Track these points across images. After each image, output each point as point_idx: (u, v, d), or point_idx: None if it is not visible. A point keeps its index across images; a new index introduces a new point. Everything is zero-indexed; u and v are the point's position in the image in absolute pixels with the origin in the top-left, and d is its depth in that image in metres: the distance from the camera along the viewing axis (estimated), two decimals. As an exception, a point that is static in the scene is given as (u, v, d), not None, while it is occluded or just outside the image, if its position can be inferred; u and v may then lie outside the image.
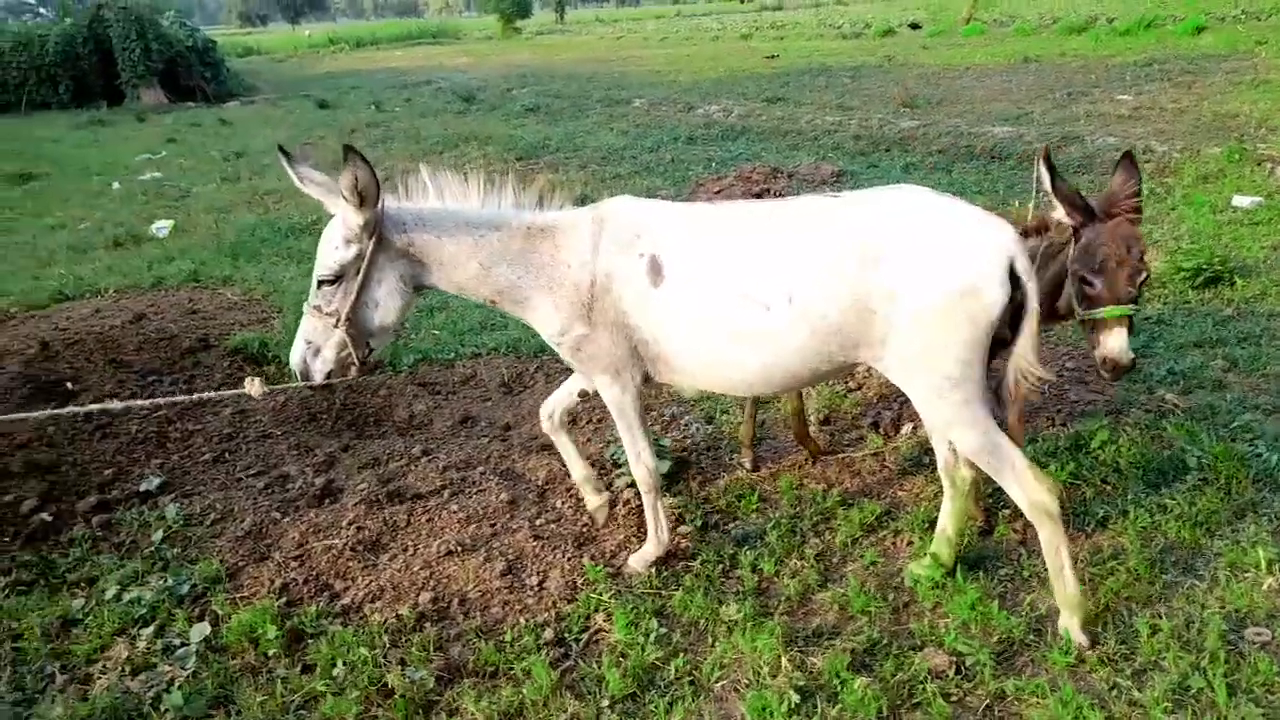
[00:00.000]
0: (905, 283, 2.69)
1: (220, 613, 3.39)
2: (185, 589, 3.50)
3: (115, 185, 12.67)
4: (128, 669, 3.13)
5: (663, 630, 3.13)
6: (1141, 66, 18.88)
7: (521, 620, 3.26)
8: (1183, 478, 3.77)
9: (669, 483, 4.03)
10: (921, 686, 2.80)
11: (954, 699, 2.78)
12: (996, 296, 2.64)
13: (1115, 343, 3.08)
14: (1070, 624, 2.90)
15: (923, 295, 2.68)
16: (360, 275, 2.96)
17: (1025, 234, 3.11)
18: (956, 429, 2.83)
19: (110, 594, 3.48)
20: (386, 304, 3.05)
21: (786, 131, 13.75)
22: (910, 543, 3.58)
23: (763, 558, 3.50)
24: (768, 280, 2.83)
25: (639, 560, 3.49)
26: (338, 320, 3.02)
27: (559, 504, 4.00)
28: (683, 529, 3.75)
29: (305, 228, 9.32)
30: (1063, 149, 10.72)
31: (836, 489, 3.96)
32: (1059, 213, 3.11)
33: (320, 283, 3.03)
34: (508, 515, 3.91)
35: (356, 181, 2.82)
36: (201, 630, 3.26)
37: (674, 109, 17.46)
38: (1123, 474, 3.84)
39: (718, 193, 9.51)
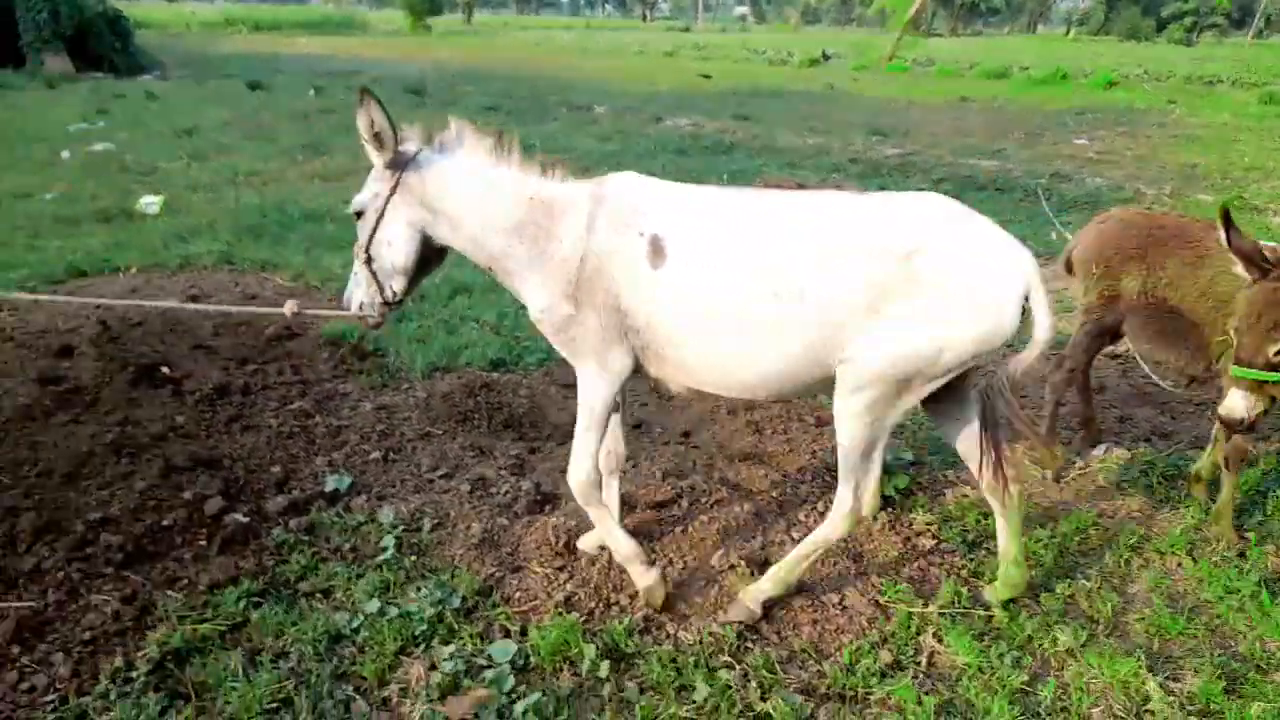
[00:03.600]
0: (925, 294, 2.55)
1: (511, 628, 3.01)
2: (456, 602, 3.09)
3: (65, 155, 11.50)
4: (436, 692, 2.72)
5: (1014, 653, 2.96)
6: (1075, 114, 20.04)
7: (845, 640, 3.03)
8: None
9: (903, 496, 3.87)
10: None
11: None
12: (1007, 326, 2.56)
13: (1228, 401, 3.05)
14: (760, 591, 3.09)
15: (938, 311, 2.56)
16: (378, 213, 2.98)
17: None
18: (853, 420, 2.75)
19: (372, 608, 3.04)
20: (395, 244, 3.01)
21: (775, 149, 13.84)
22: (1180, 564, 3.53)
23: (1052, 578, 3.38)
24: (780, 273, 2.65)
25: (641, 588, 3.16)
26: (359, 253, 3.06)
27: (802, 516, 3.77)
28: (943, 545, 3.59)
29: (321, 214, 8.68)
30: (1059, 187, 11.21)
31: (1064, 506, 3.89)
32: (1237, 268, 3.01)
33: (355, 214, 3.08)
34: (759, 526, 3.65)
35: (373, 123, 2.85)
36: (506, 649, 2.88)
37: (641, 119, 17.35)
38: None
39: (756, 204, 9.41)
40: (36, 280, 6.40)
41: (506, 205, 2.90)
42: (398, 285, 3.08)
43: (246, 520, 3.49)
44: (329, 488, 3.80)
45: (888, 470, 3.80)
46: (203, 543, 3.39)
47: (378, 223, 2.99)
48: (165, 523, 3.42)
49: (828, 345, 2.67)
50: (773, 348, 2.71)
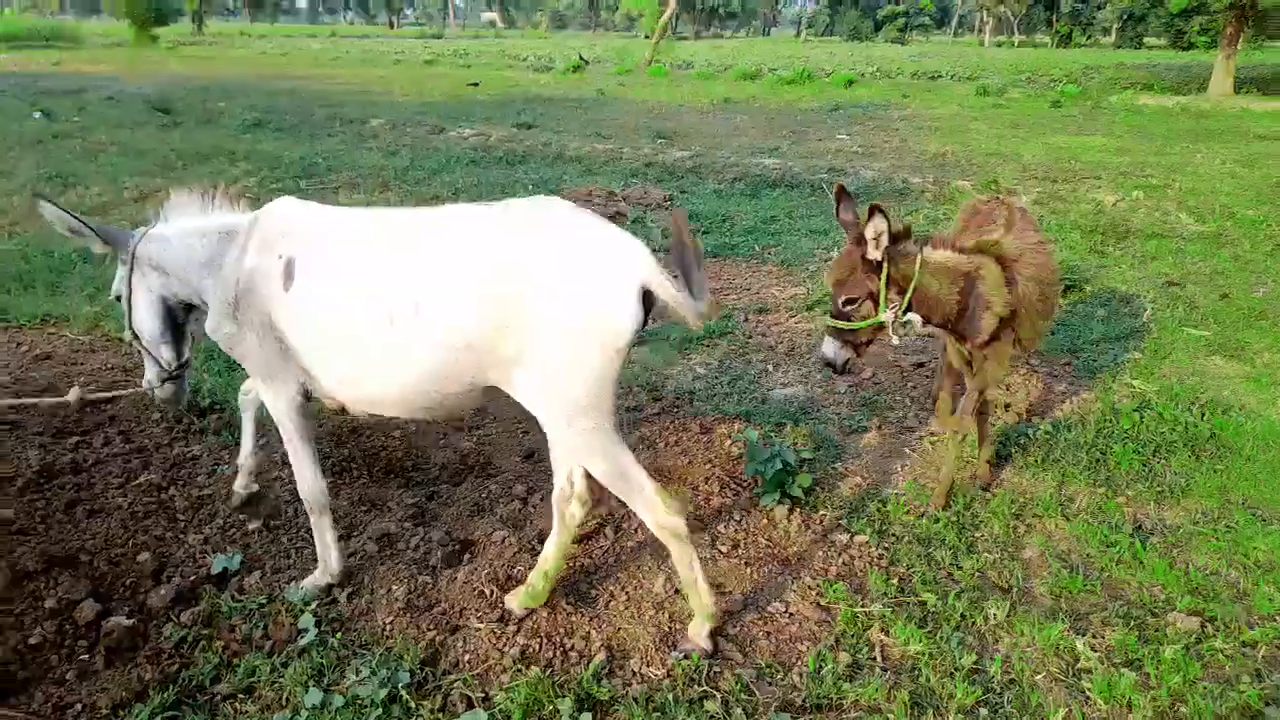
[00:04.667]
0: (537, 300, 2.58)
1: (472, 696, 2.82)
2: (405, 677, 2.85)
3: None
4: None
5: (958, 635, 3.15)
6: (830, 112, 21.63)
7: (803, 649, 3.10)
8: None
9: (808, 494, 4.01)
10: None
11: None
12: (627, 322, 2.57)
13: (821, 346, 3.77)
14: (699, 630, 3.02)
15: (554, 315, 2.57)
16: (127, 292, 3.25)
17: None
18: (584, 456, 2.81)
19: (313, 700, 2.74)
20: (146, 316, 3.27)
21: (568, 158, 13.89)
22: (1057, 525, 3.90)
23: (959, 556, 3.64)
24: (394, 289, 2.70)
25: (310, 584, 3.31)
26: (127, 334, 3.34)
27: (722, 528, 3.81)
28: (859, 539, 3.77)
29: (96, 256, 7.72)
30: (837, 180, 12.04)
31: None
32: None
33: (116, 299, 3.34)
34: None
35: (61, 222, 3.11)
36: (477, 718, 2.70)
37: (422, 131, 16.83)
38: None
39: (571, 215, 9.40)
40: None
41: (205, 243, 3.10)
42: (167, 355, 3.34)
43: (130, 622, 3.04)
44: (216, 569, 3.39)
45: (789, 470, 3.94)
46: (85, 656, 2.91)
47: (129, 301, 3.24)
48: (33, 640, 2.91)
49: (457, 362, 2.70)
50: (400, 368, 2.76)
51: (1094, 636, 3.14)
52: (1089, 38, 68.47)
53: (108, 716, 2.68)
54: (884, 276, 3.52)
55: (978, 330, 3.69)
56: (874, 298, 3.57)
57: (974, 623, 3.22)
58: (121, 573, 3.35)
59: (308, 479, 3.20)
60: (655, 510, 2.81)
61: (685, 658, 2.97)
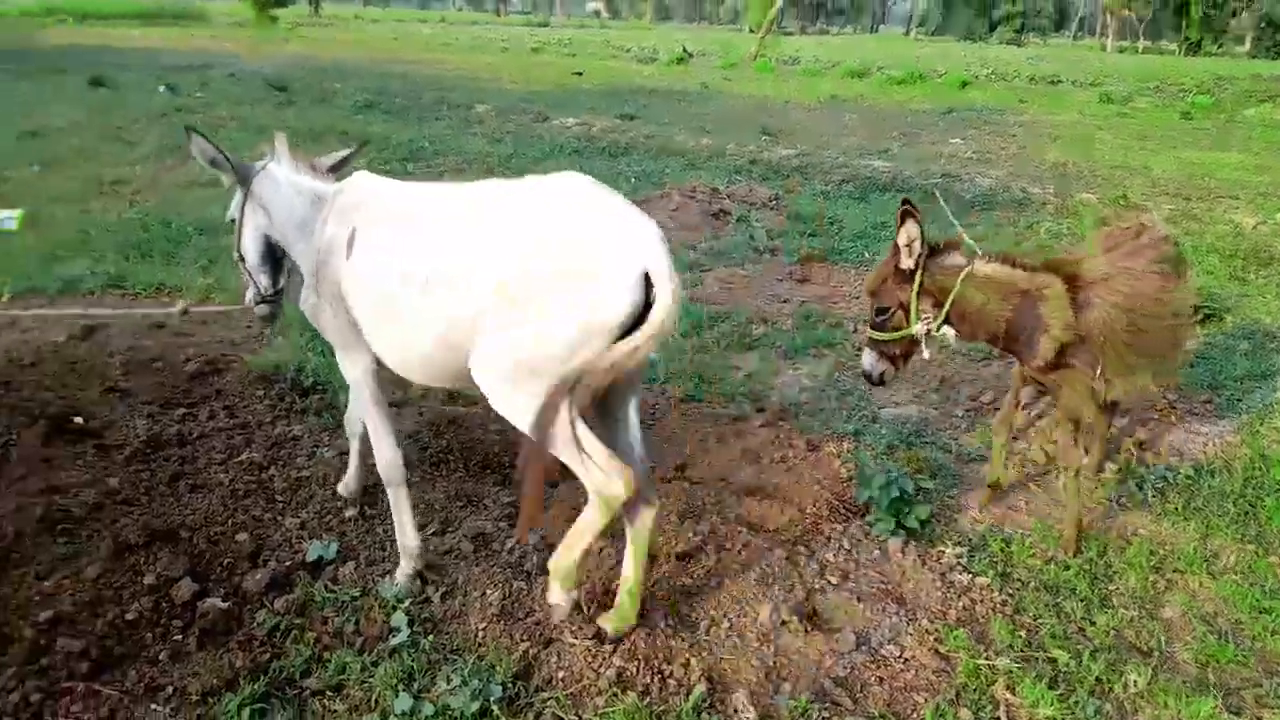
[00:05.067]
0: (530, 275, 2.56)
1: (565, 717, 2.68)
2: (497, 690, 2.73)
3: (-113, 164, 10.12)
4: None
5: (1094, 702, 2.86)
6: (942, 115, 20.89)
7: (920, 700, 2.86)
8: None
9: (925, 527, 3.74)
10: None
11: None
12: (617, 306, 2.49)
13: (862, 359, 3.72)
14: (554, 589, 3.03)
15: (544, 290, 2.54)
16: (239, 219, 3.44)
17: None
18: (537, 430, 2.65)
19: (403, 706, 2.64)
20: (249, 245, 3.44)
21: (672, 151, 13.70)
22: (1201, 583, 3.54)
23: (1092, 610, 3.33)
24: (419, 259, 2.78)
25: (401, 578, 3.24)
26: (234, 255, 3.54)
27: (831, 556, 3.59)
28: (980, 579, 3.49)
29: (213, 227, 7.90)
30: (953, 187, 11.55)
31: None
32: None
33: (230, 221, 3.53)
34: (794, 572, 3.43)
35: (205, 154, 3.30)
36: (571, 745, 2.56)
37: (526, 119, 16.89)
38: None
39: (675, 210, 9.25)
40: (-114, 313, 5.50)
41: (301, 202, 3.24)
42: (264, 281, 3.50)
43: (226, 605, 3.00)
44: (311, 556, 3.34)
45: (906, 500, 3.69)
46: (178, 637, 2.89)
47: (240, 227, 3.44)
48: (130, 616, 2.90)
49: (456, 332, 2.71)
50: (424, 331, 2.80)
51: (1251, 718, 2.81)
52: (1220, 46, 64.72)
53: (197, 703, 2.63)
54: (916, 287, 3.40)
55: (1034, 353, 3.43)
56: (905, 309, 3.46)
57: (1111, 688, 2.92)
58: (219, 552, 3.32)
59: (385, 452, 3.24)
60: (604, 478, 2.72)
61: (791, 699, 2.77)
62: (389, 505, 3.73)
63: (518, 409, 2.68)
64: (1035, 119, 20.74)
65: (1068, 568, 3.54)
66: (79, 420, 4.13)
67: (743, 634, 3.08)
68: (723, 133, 16.21)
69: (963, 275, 3.36)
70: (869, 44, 62.71)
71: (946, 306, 3.40)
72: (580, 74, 28.38)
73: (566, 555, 2.93)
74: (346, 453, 4.07)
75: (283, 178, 3.28)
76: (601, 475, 2.70)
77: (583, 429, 2.69)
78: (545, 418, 2.60)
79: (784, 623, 3.09)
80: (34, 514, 3.30)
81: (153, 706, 2.62)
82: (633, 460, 2.83)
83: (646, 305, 2.52)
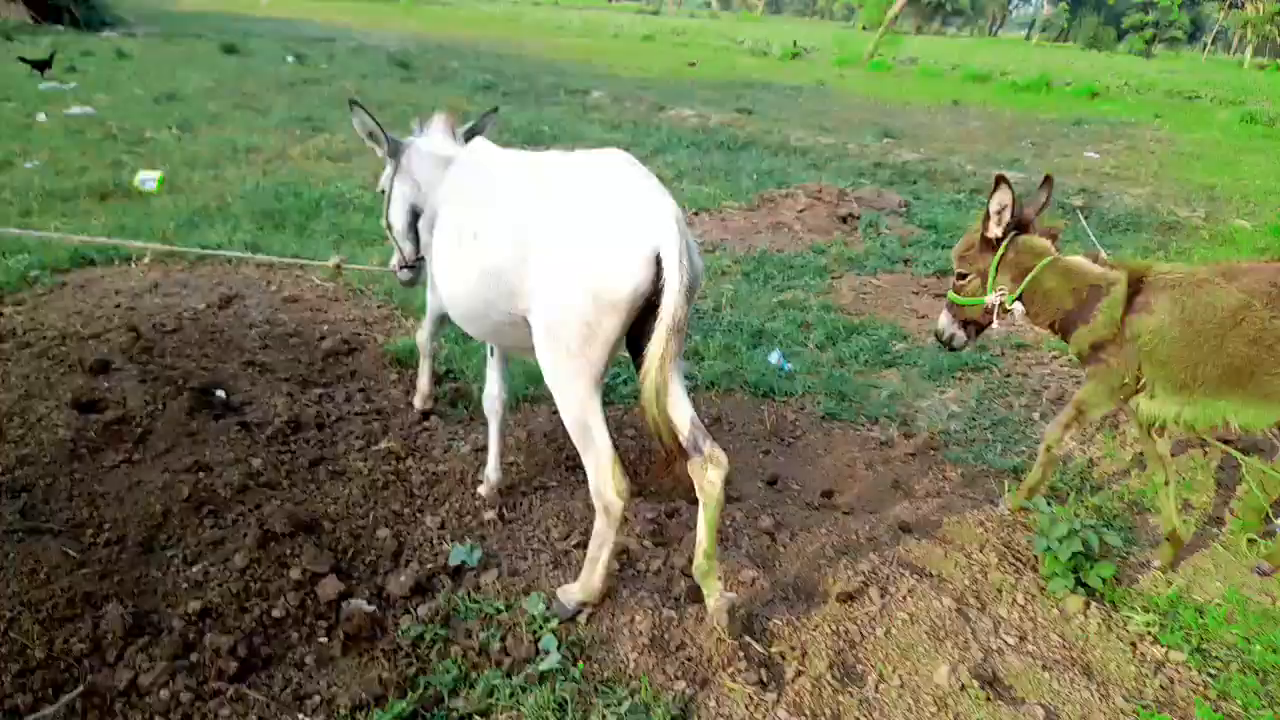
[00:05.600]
0: (549, 241, 2.61)
1: (730, 771, 2.47)
2: (655, 731, 2.53)
3: (41, 118, 10.52)
4: None
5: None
6: (1072, 125, 19.90)
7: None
8: None
9: (1109, 587, 3.39)
10: None
11: None
12: (624, 280, 2.48)
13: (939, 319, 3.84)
14: (570, 594, 2.98)
15: (557, 258, 2.58)
16: (389, 190, 3.73)
17: None
18: (560, 398, 2.76)
19: (562, 741, 2.47)
20: (396, 214, 3.74)
21: (791, 148, 13.34)
22: None
23: None
24: (466, 218, 2.94)
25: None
26: (384, 223, 3.85)
27: (1004, 611, 3.27)
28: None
29: (343, 201, 7.94)
30: (1094, 205, 10.90)
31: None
32: None
33: (380, 191, 3.84)
34: (966, 627, 3.13)
35: (364, 127, 3.57)
36: (737, 805, 2.34)
37: (642, 107, 16.73)
38: None
39: (802, 211, 8.93)
40: (40, 270, 5.62)
41: (437, 171, 3.39)
42: (408, 248, 3.80)
43: (371, 608, 2.88)
44: (454, 560, 3.20)
45: (1089, 556, 3.35)
46: (324, 639, 2.78)
47: (389, 197, 3.74)
48: (276, 613, 2.80)
49: (500, 289, 2.78)
50: (462, 285, 2.98)
51: None
52: (1374, 67, 60.40)
53: (345, 717, 2.50)
54: (997, 258, 3.47)
55: (1072, 337, 3.47)
56: (984, 277, 3.53)
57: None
58: (362, 548, 3.21)
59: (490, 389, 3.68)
60: (601, 477, 2.75)
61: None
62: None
63: (551, 378, 2.75)
64: (1172, 135, 19.56)
65: (1275, 649, 3.15)
66: (221, 394, 4.10)
67: (917, 695, 2.81)
68: (842, 132, 15.76)
69: (1044, 261, 3.41)
70: (988, 47, 60.55)
71: (1023, 285, 3.44)
72: (694, 64, 28.11)
73: (589, 571, 2.93)
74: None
75: (426, 149, 3.52)
76: (596, 476, 2.76)
77: (598, 424, 2.74)
78: (568, 392, 2.70)
79: (963, 687, 2.81)
80: (181, 492, 3.24)
81: (300, 717, 2.50)
82: (695, 433, 2.77)
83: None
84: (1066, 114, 21.92)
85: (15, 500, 3.13)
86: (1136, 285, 3.30)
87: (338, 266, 4.75)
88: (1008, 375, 5.53)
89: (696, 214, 8.85)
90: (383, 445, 3.91)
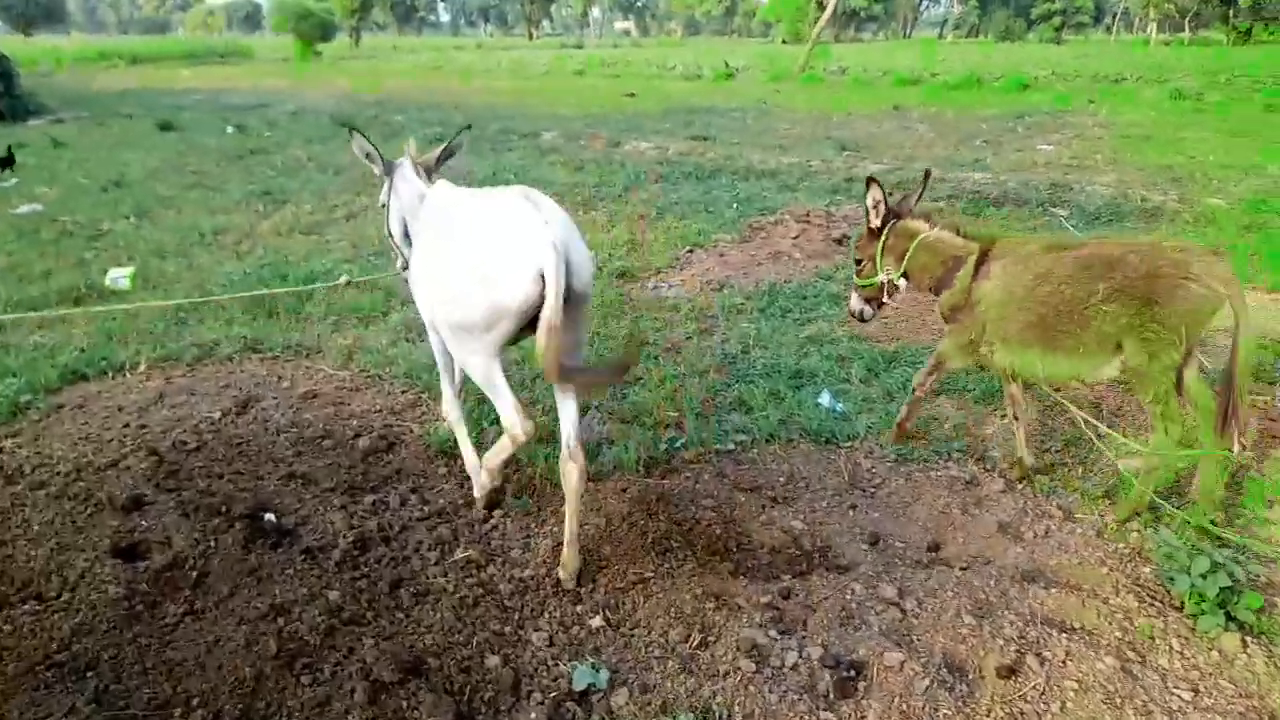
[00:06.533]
0: (461, 260, 3.29)
1: None
2: None
3: (-13, 219, 9.99)
4: None
5: None
6: (1013, 119, 20.24)
7: None
8: None
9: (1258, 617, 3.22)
10: None
11: None
12: (510, 292, 3.14)
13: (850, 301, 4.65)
14: (480, 480, 4.03)
15: (463, 272, 3.25)
16: (386, 205, 4.27)
17: None
18: (468, 370, 3.48)
19: None
20: (394, 224, 4.27)
21: (759, 172, 13.26)
22: None
23: None
24: (419, 251, 3.75)
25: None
26: (384, 232, 4.43)
27: (1163, 661, 3.07)
28: None
29: (329, 277, 7.60)
30: (1070, 198, 10.97)
31: None
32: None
33: (381, 205, 4.37)
34: (1137, 687, 2.93)
35: (363, 149, 4.10)
36: None
37: (597, 144, 16.57)
38: None
39: (796, 238, 8.80)
40: (31, 394, 5.21)
41: (413, 199, 4.05)
42: (407, 253, 4.21)
43: (509, 750, 2.58)
44: (578, 684, 2.92)
45: (1236, 589, 3.17)
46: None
47: (388, 211, 4.27)
48: (411, 784, 2.48)
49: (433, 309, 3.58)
50: (423, 293, 3.70)
51: None
52: (1271, 33, 63.00)
53: None
54: (881, 245, 4.19)
55: (939, 301, 4.15)
56: (873, 261, 4.25)
57: None
58: (476, 684, 2.90)
59: (447, 399, 4.19)
60: (509, 418, 3.37)
61: None
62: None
63: (460, 360, 3.56)
64: (1110, 120, 19.97)
65: None
66: (271, 518, 3.76)
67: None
68: (799, 149, 15.77)
69: (917, 240, 4.08)
70: (906, 49, 61.84)
71: (904, 264, 4.15)
72: (633, 94, 28.10)
73: (492, 460, 3.62)
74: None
75: (408, 174, 4.12)
76: (506, 417, 3.39)
77: (501, 382, 3.38)
78: (474, 366, 3.39)
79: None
80: (268, 647, 2.91)
81: None
82: (569, 432, 3.43)
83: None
84: (1005, 109, 22.31)
85: (82, 683, 2.77)
86: (984, 255, 3.92)
87: (348, 283, 5.58)
88: (1057, 389, 5.39)
89: (691, 251, 8.66)
90: (460, 555, 3.61)
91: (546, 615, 3.31)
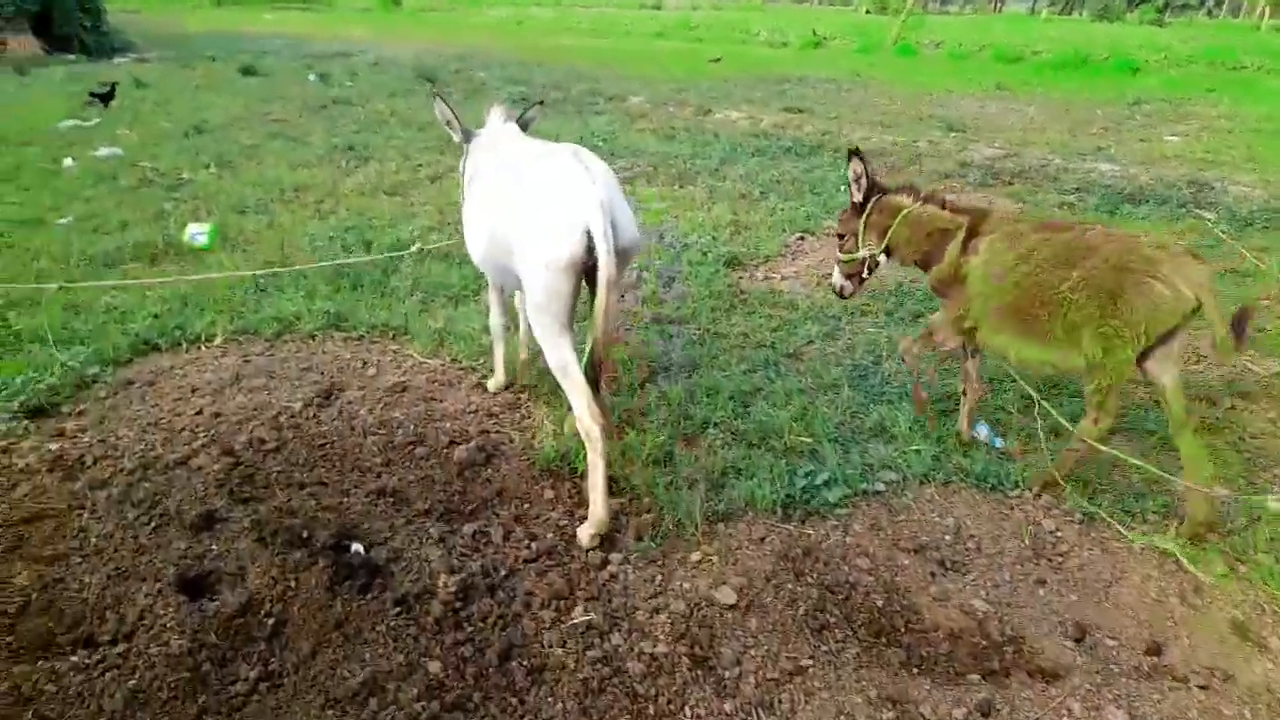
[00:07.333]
0: (518, 218, 3.40)
1: None
2: None
3: (68, 163, 9.67)
4: None
5: None
6: (1129, 105, 18.86)
7: None
8: None
9: None
10: None
11: None
12: (563, 251, 3.20)
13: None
14: (585, 534, 3.44)
15: (521, 233, 3.37)
16: (463, 172, 4.35)
17: None
18: (544, 345, 3.44)
19: None
20: (470, 189, 4.16)
21: (867, 152, 12.35)
22: None
23: None
24: (475, 189, 4.00)
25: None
26: (461, 198, 4.45)
27: None
28: None
29: (411, 242, 7.05)
30: (1210, 199, 9.94)
31: None
32: None
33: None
34: None
35: (443, 115, 4.29)
36: None
37: (686, 111, 15.82)
38: None
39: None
40: (100, 366, 4.76)
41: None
42: None
43: None
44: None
45: None
46: None
47: (466, 180, 4.23)
48: None
49: (497, 248, 3.66)
50: (473, 240, 3.96)
51: None
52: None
53: None
54: (863, 220, 4.09)
55: (929, 275, 4.04)
56: (855, 236, 4.16)
57: None
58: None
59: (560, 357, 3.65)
60: (580, 408, 3.34)
61: None
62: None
63: (536, 330, 3.46)
64: (1235, 111, 18.47)
65: None
66: (359, 549, 3.22)
67: None
68: (902, 127, 14.82)
69: (900, 215, 3.98)
70: (999, 24, 59.08)
71: (886, 239, 4.05)
72: (718, 60, 27.14)
73: (594, 501, 3.41)
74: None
75: (485, 140, 4.17)
76: (585, 410, 3.33)
77: (572, 361, 3.36)
78: (547, 339, 3.39)
79: None
80: (364, 742, 2.36)
81: None
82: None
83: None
84: (1116, 94, 20.88)
85: (140, 774, 2.26)
86: (974, 231, 3.80)
87: (420, 250, 6.03)
88: (1240, 436, 4.60)
89: (802, 238, 7.93)
90: (580, 618, 3.02)
91: (688, 710, 2.72)
